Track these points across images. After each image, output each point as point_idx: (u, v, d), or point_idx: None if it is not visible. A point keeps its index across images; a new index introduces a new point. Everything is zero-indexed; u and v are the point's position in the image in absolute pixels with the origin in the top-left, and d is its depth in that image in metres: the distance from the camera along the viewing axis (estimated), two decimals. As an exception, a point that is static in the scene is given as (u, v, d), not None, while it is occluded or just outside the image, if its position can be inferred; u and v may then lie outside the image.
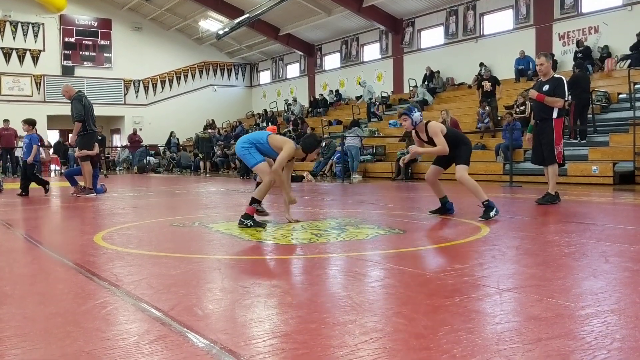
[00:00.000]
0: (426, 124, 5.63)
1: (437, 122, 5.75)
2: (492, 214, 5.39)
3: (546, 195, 6.95)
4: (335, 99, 25.09)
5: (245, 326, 2.22)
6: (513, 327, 2.13)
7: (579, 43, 16.56)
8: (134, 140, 25.43)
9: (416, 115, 5.57)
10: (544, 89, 6.90)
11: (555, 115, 6.87)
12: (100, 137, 20.89)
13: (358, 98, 24.38)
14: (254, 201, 5.26)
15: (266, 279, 3.04)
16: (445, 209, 5.89)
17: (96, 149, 9.57)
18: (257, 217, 5.27)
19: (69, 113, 9.31)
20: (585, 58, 16.09)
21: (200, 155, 22.61)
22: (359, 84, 23.50)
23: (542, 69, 7.05)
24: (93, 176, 9.55)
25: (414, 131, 5.75)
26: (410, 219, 5.72)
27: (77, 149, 9.47)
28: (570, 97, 12.23)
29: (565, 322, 2.17)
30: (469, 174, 5.71)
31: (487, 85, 15.72)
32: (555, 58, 16.56)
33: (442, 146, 5.53)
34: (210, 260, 3.67)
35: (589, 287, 2.80)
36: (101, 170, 19.45)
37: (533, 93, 7.01)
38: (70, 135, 23.22)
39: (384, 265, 3.45)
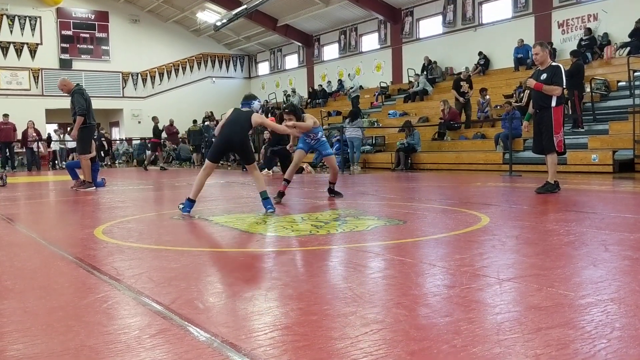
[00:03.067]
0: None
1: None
2: (183, 209, 5.51)
3: (546, 184, 6.96)
4: (336, 89, 25.00)
5: (246, 319, 2.22)
6: (513, 317, 2.13)
7: (586, 31, 16.47)
8: (172, 132, 23.23)
9: (255, 105, 5.99)
10: (541, 78, 6.88)
11: (554, 103, 6.84)
12: (165, 129, 20.36)
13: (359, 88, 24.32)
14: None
15: (266, 272, 3.04)
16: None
17: (93, 152, 9.47)
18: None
19: (68, 107, 9.27)
20: (590, 46, 16.06)
21: (191, 147, 22.54)
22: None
23: (537, 59, 7.05)
24: (93, 170, 9.55)
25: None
26: (410, 209, 5.73)
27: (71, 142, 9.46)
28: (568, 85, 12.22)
29: (565, 312, 2.18)
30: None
31: (465, 86, 16.11)
32: (554, 46, 16.53)
33: None
34: (210, 253, 3.68)
35: (589, 276, 2.80)
36: (160, 162, 19.30)
37: (531, 82, 6.99)
38: (69, 128, 23.08)
39: (384, 257, 3.46)
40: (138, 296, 2.55)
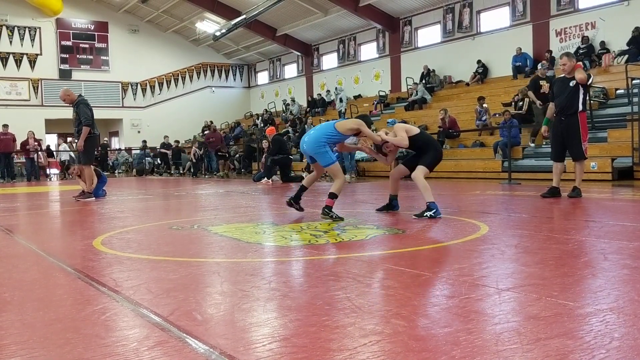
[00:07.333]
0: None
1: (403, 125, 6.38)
2: (427, 214, 5.58)
3: (575, 189, 7.32)
4: (335, 97, 25.05)
5: (245, 330, 2.22)
6: (512, 327, 2.13)
7: (584, 39, 16.53)
8: (215, 138, 20.23)
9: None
10: (570, 84, 7.24)
11: (580, 108, 7.20)
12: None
13: (356, 97, 24.38)
14: (333, 196, 5.88)
15: (265, 282, 3.04)
16: (390, 205, 6.28)
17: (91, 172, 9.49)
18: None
19: (68, 117, 9.30)
20: (588, 54, 16.12)
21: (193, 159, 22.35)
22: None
23: (565, 69, 7.42)
24: (101, 182, 9.71)
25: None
26: (409, 218, 5.72)
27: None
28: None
29: (564, 322, 2.17)
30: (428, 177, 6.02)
31: (545, 86, 12.58)
32: (553, 55, 16.60)
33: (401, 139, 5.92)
34: (209, 263, 3.67)
35: (588, 286, 2.80)
36: (219, 172, 19.06)
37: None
38: (70, 139, 23.16)
39: (383, 266, 3.45)
40: (136, 308, 2.55)
